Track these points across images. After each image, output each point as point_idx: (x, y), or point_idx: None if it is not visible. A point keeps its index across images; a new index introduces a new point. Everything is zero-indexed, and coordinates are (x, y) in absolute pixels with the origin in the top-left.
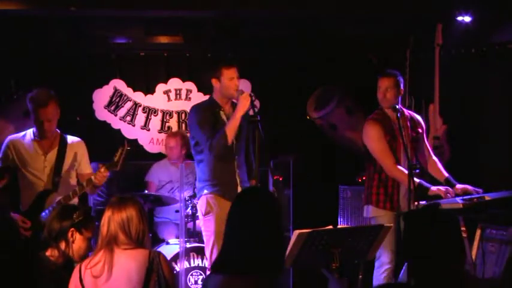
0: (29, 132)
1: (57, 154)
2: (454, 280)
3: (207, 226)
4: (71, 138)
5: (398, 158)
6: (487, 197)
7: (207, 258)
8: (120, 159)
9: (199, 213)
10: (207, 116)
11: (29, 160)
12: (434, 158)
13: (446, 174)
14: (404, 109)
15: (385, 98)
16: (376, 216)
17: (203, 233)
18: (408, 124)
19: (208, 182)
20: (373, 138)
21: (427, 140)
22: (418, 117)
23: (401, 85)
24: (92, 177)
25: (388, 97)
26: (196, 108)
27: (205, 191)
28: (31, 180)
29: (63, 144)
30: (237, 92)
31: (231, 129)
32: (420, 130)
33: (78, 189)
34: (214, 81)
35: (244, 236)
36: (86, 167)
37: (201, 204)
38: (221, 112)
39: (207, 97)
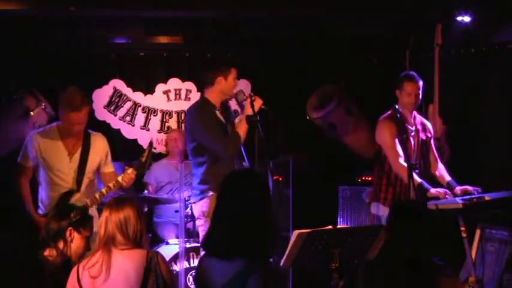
0: (53, 130)
1: (81, 154)
2: None
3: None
4: (93, 135)
5: (410, 158)
6: (487, 197)
7: None
8: (148, 159)
9: (199, 215)
10: (210, 118)
11: (55, 161)
12: (441, 164)
13: (449, 178)
14: (415, 113)
15: (414, 102)
16: (384, 215)
17: (202, 233)
18: (420, 127)
19: (213, 184)
20: (383, 133)
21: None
22: (428, 122)
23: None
24: (120, 178)
25: (416, 101)
26: (196, 111)
27: (211, 192)
28: (55, 181)
29: (87, 142)
30: (236, 91)
31: (243, 131)
32: (429, 135)
33: (105, 190)
34: (220, 79)
35: (232, 219)
36: (109, 165)
37: (204, 205)
38: (217, 112)
39: None
